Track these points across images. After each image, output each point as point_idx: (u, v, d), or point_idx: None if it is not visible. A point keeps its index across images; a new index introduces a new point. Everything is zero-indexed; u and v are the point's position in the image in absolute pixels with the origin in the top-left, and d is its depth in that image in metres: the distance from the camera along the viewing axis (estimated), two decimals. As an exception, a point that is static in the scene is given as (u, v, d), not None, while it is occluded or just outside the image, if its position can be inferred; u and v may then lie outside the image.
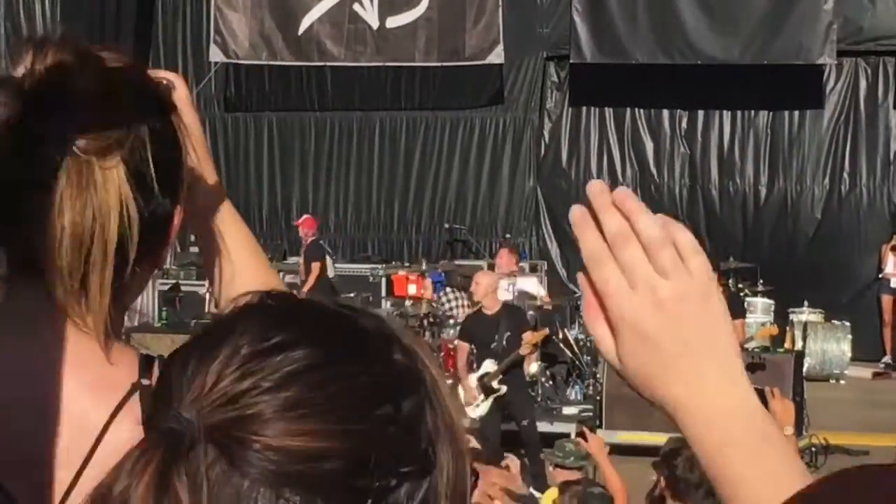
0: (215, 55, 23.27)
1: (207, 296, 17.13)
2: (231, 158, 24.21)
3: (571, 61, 22.15)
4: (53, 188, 1.71)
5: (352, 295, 20.51)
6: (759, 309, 19.25)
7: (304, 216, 20.82)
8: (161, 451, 1.09)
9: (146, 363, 1.79)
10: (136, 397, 1.75)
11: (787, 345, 19.00)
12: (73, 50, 1.75)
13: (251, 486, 1.08)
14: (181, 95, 2.01)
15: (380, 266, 21.52)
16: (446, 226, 23.38)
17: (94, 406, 1.74)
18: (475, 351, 15.12)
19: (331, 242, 23.92)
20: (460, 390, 15.03)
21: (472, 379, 14.95)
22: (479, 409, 15.05)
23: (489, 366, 14.93)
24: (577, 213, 1.34)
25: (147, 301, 18.41)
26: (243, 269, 2.14)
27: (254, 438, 1.08)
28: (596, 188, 1.33)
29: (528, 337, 14.85)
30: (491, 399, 14.95)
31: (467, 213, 23.46)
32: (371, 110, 23.81)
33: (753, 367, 15.49)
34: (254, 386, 1.10)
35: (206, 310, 17.67)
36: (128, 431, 1.72)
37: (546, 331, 15.61)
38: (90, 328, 1.76)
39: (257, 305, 1.20)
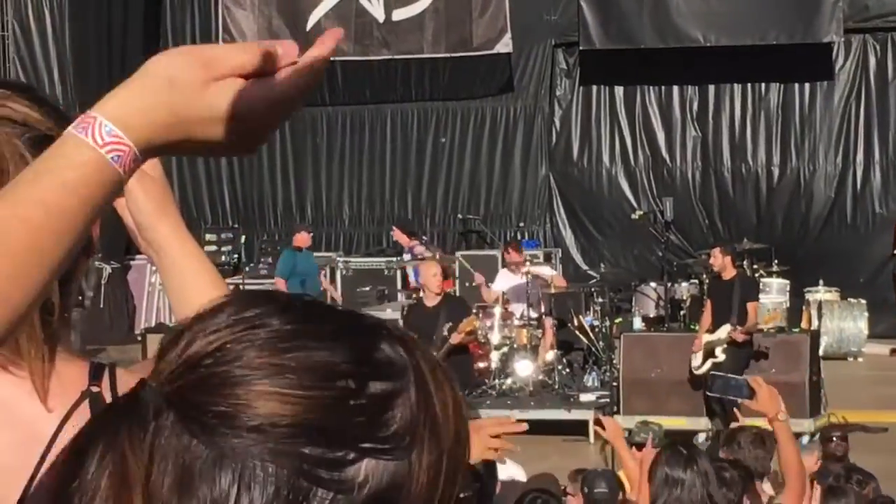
0: (224, 53, 23.25)
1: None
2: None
3: (581, 48, 22.16)
4: None
5: (367, 288, 20.56)
6: (775, 289, 19.24)
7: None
8: (125, 420, 1.11)
9: (96, 371, 1.80)
10: (86, 404, 1.76)
11: (803, 324, 19.01)
12: None
13: (206, 451, 1.08)
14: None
15: (395, 259, 21.54)
16: (460, 216, 23.40)
17: (44, 414, 1.75)
18: None
19: (345, 236, 23.95)
20: None
21: None
22: None
23: None
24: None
25: (164, 301, 18.43)
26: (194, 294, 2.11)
27: (208, 401, 1.09)
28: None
29: (462, 325, 14.99)
30: None
31: (481, 203, 23.46)
32: (382, 103, 23.82)
33: (758, 356, 15.42)
34: (216, 350, 1.11)
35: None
36: None
37: (473, 317, 15.58)
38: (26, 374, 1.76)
39: (241, 293, 1.22)
